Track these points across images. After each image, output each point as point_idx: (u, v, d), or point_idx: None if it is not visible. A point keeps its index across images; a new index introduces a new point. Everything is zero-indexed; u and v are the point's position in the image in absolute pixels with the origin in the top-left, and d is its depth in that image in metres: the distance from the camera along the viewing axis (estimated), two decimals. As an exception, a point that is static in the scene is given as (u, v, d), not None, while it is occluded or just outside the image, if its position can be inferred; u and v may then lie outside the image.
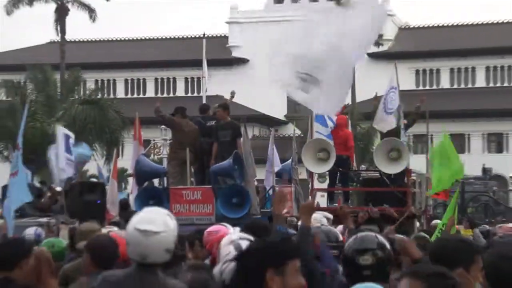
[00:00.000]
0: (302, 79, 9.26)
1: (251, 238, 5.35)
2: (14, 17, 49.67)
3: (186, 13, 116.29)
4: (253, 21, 61.64)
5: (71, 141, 18.39)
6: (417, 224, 14.40)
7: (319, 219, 9.46)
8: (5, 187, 18.47)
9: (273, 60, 9.52)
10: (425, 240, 8.40)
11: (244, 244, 4.96)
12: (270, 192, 16.12)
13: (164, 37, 65.60)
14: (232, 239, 5.46)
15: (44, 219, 13.65)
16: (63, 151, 17.58)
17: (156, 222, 4.70)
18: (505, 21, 64.44)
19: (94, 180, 18.72)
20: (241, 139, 14.67)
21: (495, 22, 65.17)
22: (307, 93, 9.43)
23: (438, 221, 13.76)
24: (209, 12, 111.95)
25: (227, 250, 5.03)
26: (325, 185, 17.12)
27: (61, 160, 17.42)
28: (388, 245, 4.95)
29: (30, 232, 9.97)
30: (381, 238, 5.02)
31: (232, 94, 17.69)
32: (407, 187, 15.08)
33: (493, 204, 24.26)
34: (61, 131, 18.56)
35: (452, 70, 61.51)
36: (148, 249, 4.69)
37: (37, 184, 20.02)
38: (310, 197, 15.79)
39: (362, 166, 18.50)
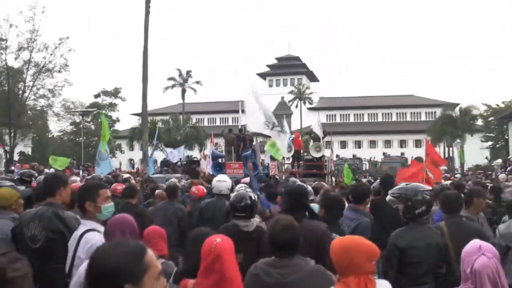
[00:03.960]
0: (267, 125, 9.53)
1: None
2: (166, 93, 52.59)
3: (233, 90, 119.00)
4: (258, 94, 65.80)
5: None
6: (326, 177, 13.99)
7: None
8: (161, 162, 20.00)
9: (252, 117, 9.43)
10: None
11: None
12: (266, 164, 14.71)
13: (224, 101, 66.01)
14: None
15: (176, 175, 13.02)
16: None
17: (222, 178, 5.43)
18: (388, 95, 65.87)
19: (196, 159, 18.08)
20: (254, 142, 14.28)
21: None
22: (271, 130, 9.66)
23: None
24: (243, 91, 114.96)
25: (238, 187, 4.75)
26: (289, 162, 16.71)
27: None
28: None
29: (171, 180, 8.75)
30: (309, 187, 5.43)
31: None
32: (323, 162, 14.75)
33: (356, 169, 24.59)
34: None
35: (341, 115, 63.62)
36: (220, 187, 5.26)
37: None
38: (283, 167, 16.01)
39: (305, 153, 18.14)
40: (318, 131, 15.70)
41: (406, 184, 3.56)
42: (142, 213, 5.00)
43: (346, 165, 11.43)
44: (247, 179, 6.39)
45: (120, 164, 24.92)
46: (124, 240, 1.28)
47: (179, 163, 18.64)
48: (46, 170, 14.28)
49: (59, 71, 33.59)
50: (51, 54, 32.62)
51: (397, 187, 3.83)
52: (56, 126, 46.21)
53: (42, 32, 77.67)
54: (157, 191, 6.66)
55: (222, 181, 5.16)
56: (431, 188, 3.39)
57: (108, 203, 2.80)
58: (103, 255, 1.20)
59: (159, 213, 5.61)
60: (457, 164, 37.89)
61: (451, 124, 37.93)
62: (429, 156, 7.74)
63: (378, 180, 11.92)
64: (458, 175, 20.03)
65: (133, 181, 8.67)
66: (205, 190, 6.42)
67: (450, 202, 3.58)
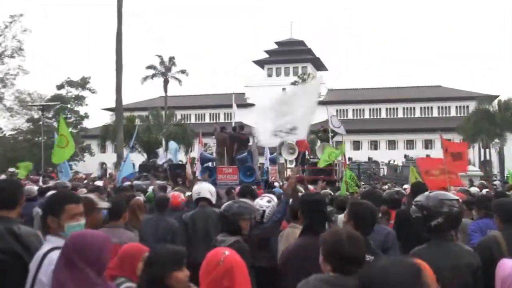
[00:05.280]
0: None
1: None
2: (144, 84, 52.75)
3: (225, 81, 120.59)
4: (255, 85, 66.37)
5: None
6: (337, 184, 13.75)
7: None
8: (140, 166, 19.84)
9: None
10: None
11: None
12: (265, 169, 15.39)
13: (214, 93, 67.22)
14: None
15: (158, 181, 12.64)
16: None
17: (202, 182, 6.07)
18: (393, 86, 66.74)
19: (181, 162, 18.35)
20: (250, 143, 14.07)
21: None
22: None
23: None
24: (237, 81, 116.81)
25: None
26: (292, 165, 16.78)
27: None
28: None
29: (149, 188, 8.90)
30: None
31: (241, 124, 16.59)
32: (332, 166, 14.77)
33: (372, 174, 24.57)
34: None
35: (353, 110, 63.89)
36: (198, 190, 5.58)
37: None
38: (285, 171, 16.68)
39: (311, 155, 18.36)
40: (339, 129, 15.87)
41: (430, 192, 3.48)
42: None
43: (347, 171, 10.89)
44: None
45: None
46: (399, 258, 1.69)
47: (160, 168, 18.85)
48: (-4, 177, 14.09)
49: (11, 56, 33.38)
50: (0, 35, 32.34)
51: (421, 195, 3.85)
52: (9, 123, 45.85)
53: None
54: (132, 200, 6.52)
55: (202, 182, 5.40)
56: (458, 198, 3.32)
57: (75, 221, 2.73)
58: (384, 275, 1.57)
59: (149, 228, 5.61)
60: (495, 169, 37.90)
61: (488, 120, 37.38)
62: (449, 152, 7.71)
63: (403, 188, 12.03)
64: (496, 182, 20.12)
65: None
66: (181, 198, 6.42)
67: (510, 210, 3.62)
